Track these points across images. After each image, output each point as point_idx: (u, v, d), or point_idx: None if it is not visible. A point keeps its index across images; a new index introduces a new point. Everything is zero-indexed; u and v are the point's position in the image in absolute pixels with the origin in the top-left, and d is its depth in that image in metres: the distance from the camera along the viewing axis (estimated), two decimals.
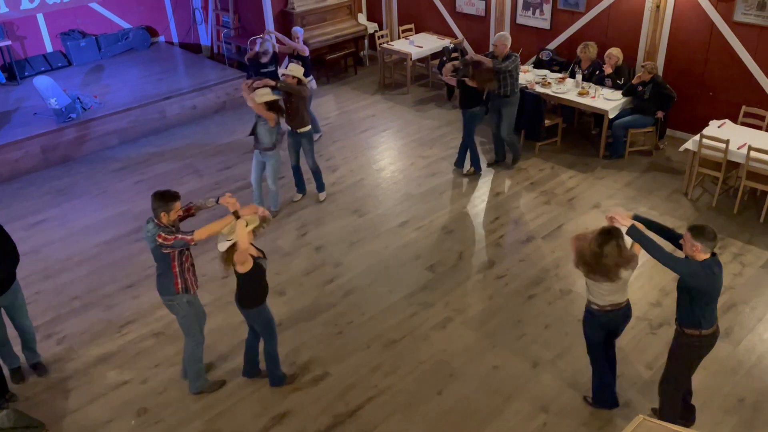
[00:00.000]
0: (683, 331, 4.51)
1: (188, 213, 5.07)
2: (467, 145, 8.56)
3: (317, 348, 5.94)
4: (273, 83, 7.34)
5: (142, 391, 5.55)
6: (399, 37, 12.14)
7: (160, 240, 4.67)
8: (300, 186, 8.24)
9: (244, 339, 5.79)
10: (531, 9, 10.28)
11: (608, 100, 8.68)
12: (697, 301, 4.33)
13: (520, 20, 10.50)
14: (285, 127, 7.77)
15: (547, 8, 10.06)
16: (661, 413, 4.89)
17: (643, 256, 4.75)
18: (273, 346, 5.28)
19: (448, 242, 7.37)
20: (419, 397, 5.40)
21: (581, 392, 5.34)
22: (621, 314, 4.79)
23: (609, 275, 4.49)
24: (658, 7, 8.76)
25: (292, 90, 7.40)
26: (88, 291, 6.80)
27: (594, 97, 8.80)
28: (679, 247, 4.42)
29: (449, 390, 5.45)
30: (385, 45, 11.63)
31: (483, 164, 8.81)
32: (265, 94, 7.06)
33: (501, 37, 8.16)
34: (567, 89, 9.05)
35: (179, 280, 4.92)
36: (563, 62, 9.92)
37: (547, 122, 9.07)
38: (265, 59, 8.97)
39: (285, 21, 11.72)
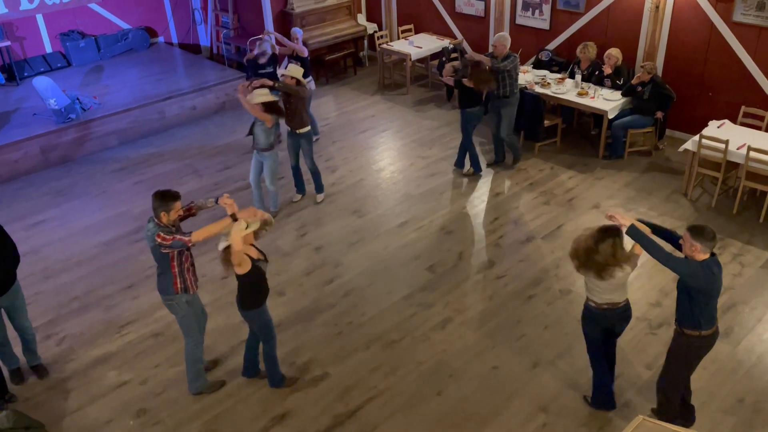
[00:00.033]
0: (683, 332, 4.51)
1: (189, 213, 5.07)
2: (466, 145, 8.56)
3: (317, 348, 5.94)
4: (271, 83, 7.34)
5: (141, 391, 5.55)
6: (398, 38, 12.14)
7: (159, 240, 4.68)
8: (299, 186, 8.24)
9: (243, 339, 5.79)
10: (530, 9, 10.29)
11: (607, 101, 8.69)
12: (697, 302, 4.33)
13: (519, 21, 10.51)
14: (284, 127, 7.77)
15: (547, 8, 10.07)
16: (659, 413, 4.89)
17: (643, 256, 4.74)
18: (271, 349, 5.28)
19: (448, 243, 7.37)
20: (419, 397, 5.40)
21: (581, 392, 5.35)
22: (618, 314, 4.79)
23: (599, 273, 4.50)
24: (657, 7, 8.76)
25: (290, 90, 7.40)
26: (88, 292, 6.79)
27: (593, 97, 8.80)
28: (679, 248, 4.42)
29: (449, 390, 5.45)
30: (384, 45, 11.63)
31: (483, 165, 8.81)
32: (263, 95, 7.06)
33: (500, 38, 8.16)
34: (566, 89, 9.05)
35: (178, 280, 4.92)
36: (563, 63, 9.92)
37: (546, 123, 9.07)
38: (263, 60, 8.98)
39: (284, 21, 11.72)
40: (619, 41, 9.31)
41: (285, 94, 7.48)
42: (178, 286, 4.94)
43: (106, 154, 9.70)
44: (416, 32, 12.13)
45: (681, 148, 7.91)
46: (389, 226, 7.69)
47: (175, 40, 13.28)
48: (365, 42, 12.95)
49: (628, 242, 4.58)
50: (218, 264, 5.81)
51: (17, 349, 5.68)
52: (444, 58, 10.86)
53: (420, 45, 11.43)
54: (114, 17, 12.40)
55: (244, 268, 4.73)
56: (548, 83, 9.18)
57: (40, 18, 11.52)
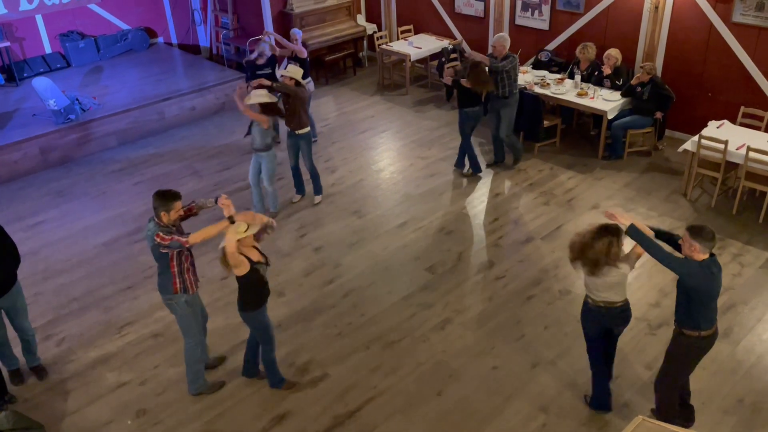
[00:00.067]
0: (682, 332, 4.52)
1: (190, 212, 5.07)
2: (464, 146, 8.57)
3: (317, 349, 5.94)
4: (269, 83, 7.34)
5: (141, 392, 5.55)
6: (398, 38, 12.14)
7: (158, 239, 4.69)
8: (299, 187, 8.24)
9: (243, 340, 5.80)
10: (530, 10, 10.29)
11: (607, 101, 8.69)
12: (696, 302, 4.34)
13: (519, 21, 10.51)
14: (284, 128, 7.77)
15: (546, 9, 10.07)
16: (659, 412, 4.89)
17: (643, 256, 4.75)
18: (269, 352, 5.27)
19: (448, 243, 7.37)
20: (419, 397, 5.40)
21: (581, 393, 5.35)
22: (615, 314, 4.79)
23: (591, 269, 4.53)
24: (656, 7, 8.77)
25: (289, 91, 7.40)
26: (88, 292, 6.79)
27: (593, 97, 8.81)
28: (680, 250, 4.42)
29: (449, 390, 5.45)
30: (384, 46, 11.63)
31: (483, 165, 8.81)
32: (260, 96, 7.06)
33: (500, 38, 8.16)
34: (566, 90, 9.05)
35: (177, 280, 4.93)
36: (562, 63, 9.93)
37: (546, 123, 9.07)
38: (261, 61, 8.97)
39: (284, 22, 11.72)
40: (619, 42, 9.31)
41: (284, 94, 7.48)
42: (178, 286, 4.94)
43: (106, 154, 9.70)
44: (416, 33, 12.13)
45: (680, 149, 7.91)
46: (389, 227, 7.69)
47: (174, 41, 13.29)
48: (365, 42, 12.95)
49: (630, 243, 4.59)
50: (218, 264, 5.81)
51: (17, 349, 5.68)
52: (443, 59, 10.86)
53: (419, 45, 11.44)
54: (113, 18, 12.41)
55: (242, 269, 4.74)
56: (548, 84, 9.19)
57: (39, 18, 11.52)
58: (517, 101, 8.43)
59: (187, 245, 4.72)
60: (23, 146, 9.09)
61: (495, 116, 8.53)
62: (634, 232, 4.35)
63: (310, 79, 9.23)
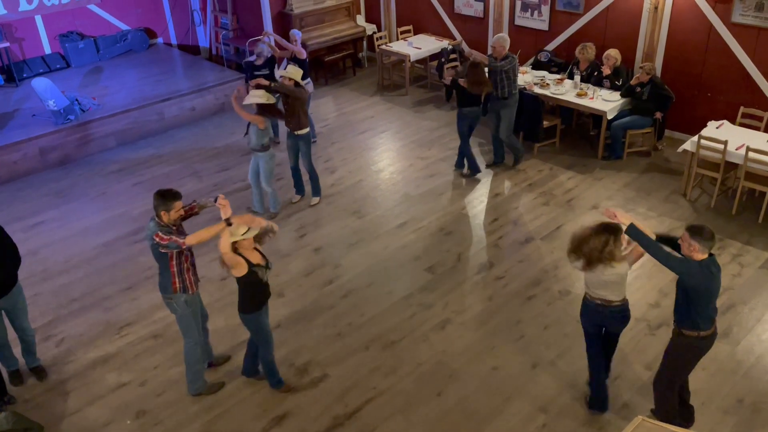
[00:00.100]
0: (681, 332, 4.52)
1: (191, 212, 5.07)
2: (462, 146, 8.59)
3: (316, 349, 5.94)
4: (267, 83, 7.34)
5: (141, 392, 5.55)
6: (397, 39, 12.13)
7: (157, 239, 4.70)
8: (299, 187, 8.24)
9: (243, 340, 5.80)
10: (529, 10, 10.30)
11: (606, 101, 8.69)
12: (695, 302, 4.34)
13: (518, 21, 10.51)
14: (284, 128, 7.77)
15: (546, 9, 10.08)
16: (658, 412, 4.89)
17: (642, 257, 4.75)
18: (266, 355, 5.26)
19: (447, 243, 7.37)
20: (418, 398, 5.40)
21: (581, 393, 5.35)
22: (612, 313, 4.79)
23: (585, 264, 4.56)
24: (656, 8, 8.77)
25: (287, 91, 7.40)
26: (87, 293, 6.79)
27: (592, 98, 8.81)
28: (680, 250, 4.43)
29: (449, 391, 5.45)
30: (383, 46, 11.63)
31: (481, 165, 8.81)
32: (257, 96, 7.05)
33: (499, 39, 8.16)
34: (565, 90, 9.06)
35: (177, 280, 4.93)
36: (561, 63, 9.93)
37: (545, 123, 9.08)
38: (258, 62, 8.96)
39: (283, 22, 11.72)
40: (618, 42, 9.32)
41: (283, 95, 7.48)
42: (177, 285, 4.95)
43: (105, 155, 9.70)
44: (415, 33, 12.14)
45: (680, 149, 7.91)
46: (389, 227, 7.69)
47: (174, 41, 13.28)
48: (364, 43, 12.95)
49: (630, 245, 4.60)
50: (218, 265, 5.81)
51: (16, 350, 5.67)
52: (443, 59, 10.87)
53: (419, 46, 11.44)
54: (113, 18, 12.40)
55: (239, 271, 4.74)
56: (547, 84, 9.19)
57: (39, 19, 11.52)
58: (517, 102, 8.43)
59: (184, 246, 4.73)
60: (23, 147, 9.09)
61: (495, 117, 8.53)
62: (633, 231, 4.36)
63: (309, 79, 9.23)
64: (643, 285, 6.54)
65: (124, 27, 12.55)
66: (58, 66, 11.73)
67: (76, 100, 9.71)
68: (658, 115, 8.59)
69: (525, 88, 8.93)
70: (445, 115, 10.49)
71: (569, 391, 5.39)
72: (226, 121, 10.63)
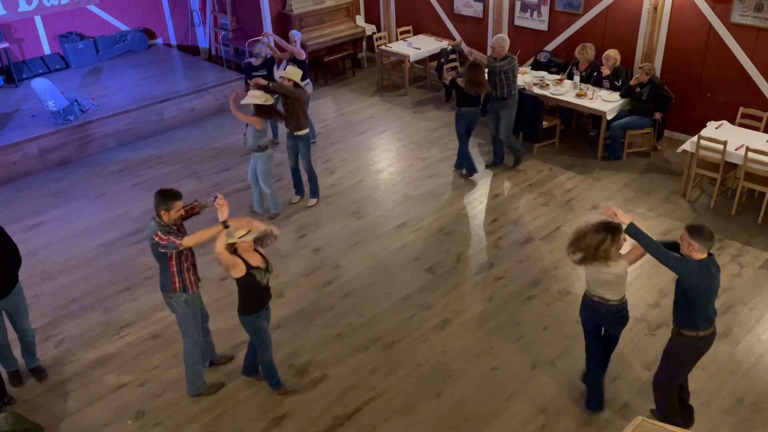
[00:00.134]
0: (680, 332, 4.53)
1: (193, 211, 5.09)
2: (460, 146, 8.60)
3: (316, 350, 5.94)
4: (266, 83, 7.34)
5: (140, 393, 5.55)
6: (397, 39, 12.14)
7: (156, 239, 4.72)
8: (298, 188, 8.24)
9: (242, 341, 5.80)
10: (529, 11, 10.30)
11: (606, 102, 8.70)
12: (694, 302, 4.35)
13: (518, 22, 10.51)
14: (284, 129, 7.76)
15: (545, 10, 10.08)
16: (659, 413, 4.89)
17: (642, 258, 4.76)
18: (264, 357, 5.25)
19: (447, 244, 7.37)
20: (418, 398, 5.40)
21: (580, 393, 5.34)
22: (609, 312, 4.80)
23: (580, 260, 4.59)
24: (655, 8, 8.77)
25: (286, 92, 7.39)
26: (87, 293, 6.79)
27: (592, 98, 8.81)
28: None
29: (448, 391, 5.45)
30: (383, 47, 11.63)
31: (479, 166, 8.80)
32: (253, 97, 7.04)
33: (499, 39, 8.17)
34: (565, 91, 9.06)
35: (176, 280, 4.95)
36: (561, 64, 9.93)
37: (545, 124, 9.08)
38: (257, 62, 8.96)
39: (283, 23, 11.73)
40: (618, 42, 9.32)
41: (283, 96, 7.48)
42: (177, 285, 4.96)
43: (105, 155, 9.70)
44: (415, 34, 12.14)
45: (679, 149, 7.92)
46: (388, 228, 7.69)
47: (173, 42, 13.28)
48: (364, 43, 12.95)
49: (628, 246, 4.60)
50: (218, 265, 5.82)
51: (15, 351, 5.67)
52: (442, 60, 10.86)
53: (419, 46, 11.44)
54: (112, 19, 12.40)
55: (237, 272, 4.75)
56: (547, 84, 9.20)
57: (38, 20, 11.52)
58: (516, 102, 8.43)
59: (181, 247, 4.74)
60: (22, 147, 9.09)
61: (494, 117, 8.54)
62: (633, 230, 4.38)
63: (308, 80, 9.22)
64: (642, 285, 6.54)
65: (123, 27, 12.55)
66: (57, 66, 11.74)
67: (76, 100, 9.71)
68: (658, 115, 8.59)
69: (524, 89, 8.93)
70: (445, 115, 10.49)
71: (569, 391, 5.39)
72: (226, 121, 10.63)
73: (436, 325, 6.18)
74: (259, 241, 4.85)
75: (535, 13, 10.23)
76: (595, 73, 9.13)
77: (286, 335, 6.07)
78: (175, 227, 4.86)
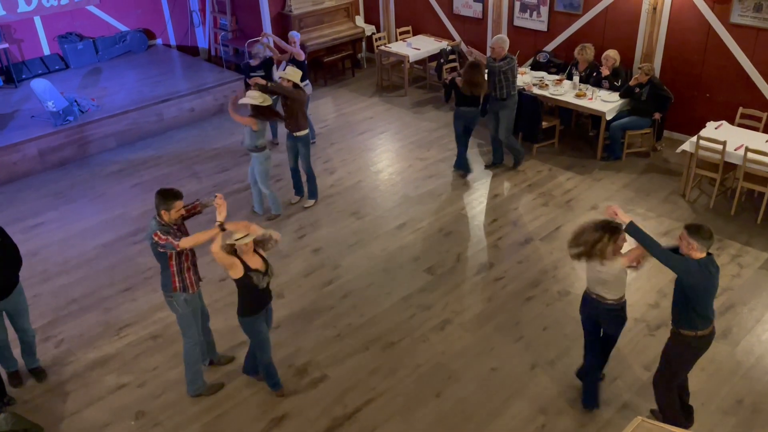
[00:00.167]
0: (679, 332, 4.53)
1: (194, 211, 5.09)
2: (457, 144, 8.61)
3: (316, 350, 5.94)
4: (264, 82, 7.33)
5: (140, 394, 5.55)
6: (396, 40, 12.14)
7: (156, 238, 4.73)
8: (298, 188, 8.23)
9: (241, 341, 5.80)
10: (528, 11, 10.30)
11: (605, 102, 8.70)
12: (693, 302, 4.36)
13: (517, 22, 10.52)
14: (284, 130, 7.76)
15: (545, 10, 10.08)
16: (661, 413, 4.90)
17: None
18: (262, 359, 5.24)
19: (447, 244, 7.37)
20: (418, 399, 5.40)
21: (579, 393, 5.34)
22: (606, 311, 4.83)
23: (575, 252, 4.63)
24: (654, 9, 8.78)
25: (284, 92, 7.39)
26: (86, 294, 6.79)
27: (591, 98, 8.82)
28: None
29: (448, 392, 5.45)
30: (382, 47, 11.64)
31: (480, 167, 8.79)
32: (250, 97, 7.04)
33: (498, 40, 8.17)
34: (564, 91, 9.06)
35: (176, 279, 4.96)
36: (560, 64, 9.94)
37: (544, 124, 9.08)
38: (254, 63, 8.95)
39: (282, 23, 11.73)
40: (617, 43, 9.32)
41: (283, 96, 7.48)
42: (177, 284, 4.97)
43: (104, 156, 9.70)
44: (414, 34, 12.14)
45: (679, 150, 7.92)
46: (388, 228, 7.69)
47: (173, 42, 13.28)
48: (363, 44, 12.96)
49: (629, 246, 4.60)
50: (218, 266, 5.81)
51: (15, 351, 5.67)
52: (442, 60, 10.88)
53: (418, 47, 11.44)
54: (112, 19, 12.40)
55: (235, 272, 4.76)
56: (546, 85, 9.20)
57: (38, 20, 11.52)
58: (516, 103, 8.42)
59: (178, 248, 4.75)
60: (22, 148, 9.09)
61: (494, 118, 8.54)
62: (633, 229, 4.39)
63: (308, 81, 9.22)
64: (642, 286, 6.55)
65: (123, 28, 12.55)
66: (57, 67, 11.73)
67: (75, 101, 9.71)
68: (657, 115, 8.60)
69: (524, 89, 8.93)
70: (444, 115, 10.49)
71: (568, 391, 5.39)
72: (225, 122, 10.63)
73: (436, 325, 6.18)
74: (261, 244, 4.85)
75: (535, 13, 10.23)
76: (594, 74, 9.14)
77: (285, 335, 6.07)
78: (175, 227, 4.87)
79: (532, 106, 8.84)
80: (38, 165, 9.26)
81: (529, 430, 5.08)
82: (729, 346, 5.78)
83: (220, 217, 4.76)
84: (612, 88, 8.93)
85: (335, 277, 6.91)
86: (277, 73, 9.14)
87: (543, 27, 10.23)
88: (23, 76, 11.22)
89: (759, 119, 8.20)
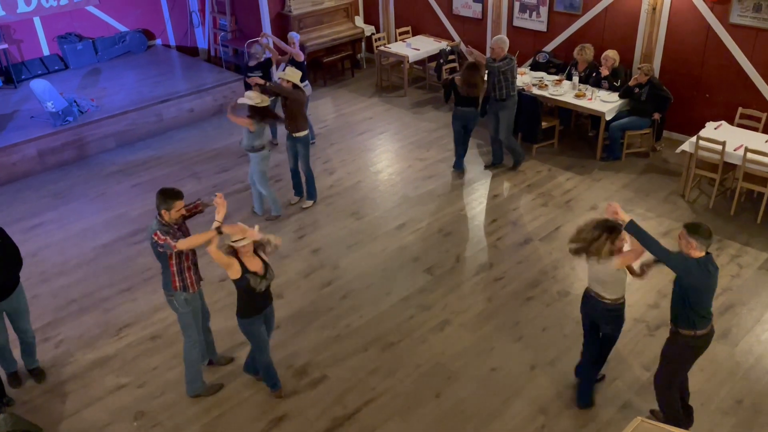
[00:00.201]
0: (678, 332, 4.54)
1: (196, 210, 5.10)
2: (455, 144, 8.63)
3: (315, 351, 5.93)
4: (262, 82, 7.31)
5: (139, 394, 5.54)
6: (396, 40, 12.14)
7: (155, 238, 4.74)
8: (297, 189, 8.23)
9: (241, 342, 5.79)
10: (528, 11, 10.30)
11: (605, 102, 8.70)
12: (692, 301, 4.37)
13: (516, 23, 10.52)
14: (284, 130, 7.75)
15: (544, 10, 10.08)
16: (663, 412, 4.89)
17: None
18: (260, 360, 5.24)
19: (446, 244, 7.37)
20: (417, 399, 5.39)
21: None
22: (603, 310, 4.84)
23: (573, 248, 4.68)
24: (654, 9, 8.78)
25: (282, 93, 7.38)
26: (86, 294, 6.78)
27: (591, 99, 8.82)
28: None
29: (447, 392, 5.45)
30: (382, 47, 11.64)
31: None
32: (248, 98, 7.03)
33: (498, 40, 8.17)
34: (564, 91, 9.07)
35: (177, 279, 4.97)
36: (560, 64, 9.94)
37: (544, 124, 9.08)
38: (251, 63, 8.93)
39: (282, 24, 11.73)
40: (616, 43, 9.33)
41: (283, 97, 7.47)
42: (177, 284, 4.98)
43: (104, 156, 9.70)
44: (414, 34, 12.14)
45: (678, 150, 7.92)
46: (387, 228, 7.69)
47: (172, 43, 13.28)
48: (363, 44, 12.95)
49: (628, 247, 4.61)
50: (217, 266, 5.81)
51: (15, 352, 5.66)
52: (441, 60, 10.88)
53: (417, 47, 11.44)
54: (111, 20, 12.40)
55: (232, 273, 4.77)
56: (545, 85, 9.20)
57: (37, 21, 11.52)
58: (516, 104, 8.42)
59: (175, 249, 4.76)
60: (21, 148, 9.09)
61: (493, 118, 8.54)
62: (632, 227, 4.40)
63: (307, 82, 9.21)
64: (642, 286, 6.54)
65: (122, 28, 12.54)
66: (56, 67, 11.73)
67: (75, 101, 9.70)
68: (657, 116, 8.60)
69: (523, 89, 8.93)
70: (444, 116, 10.49)
71: (568, 392, 5.39)
72: (225, 122, 10.61)
73: (436, 325, 6.18)
74: (261, 247, 4.86)
75: (534, 13, 10.23)
76: (594, 74, 9.14)
77: (285, 336, 6.07)
78: (176, 226, 4.88)
79: (531, 106, 8.84)
80: (37, 165, 9.26)
81: (528, 431, 5.08)
82: (728, 346, 5.78)
83: (219, 216, 4.78)
84: (611, 89, 8.93)
85: (335, 277, 6.90)
86: (276, 74, 9.14)
87: (542, 27, 10.23)
88: (23, 77, 11.21)
89: (758, 119, 8.20)
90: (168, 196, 4.80)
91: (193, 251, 5.03)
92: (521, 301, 6.46)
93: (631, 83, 8.57)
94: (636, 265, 4.86)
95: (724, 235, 7.23)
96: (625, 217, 4.46)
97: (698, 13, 8.52)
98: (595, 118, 9.17)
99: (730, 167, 7.62)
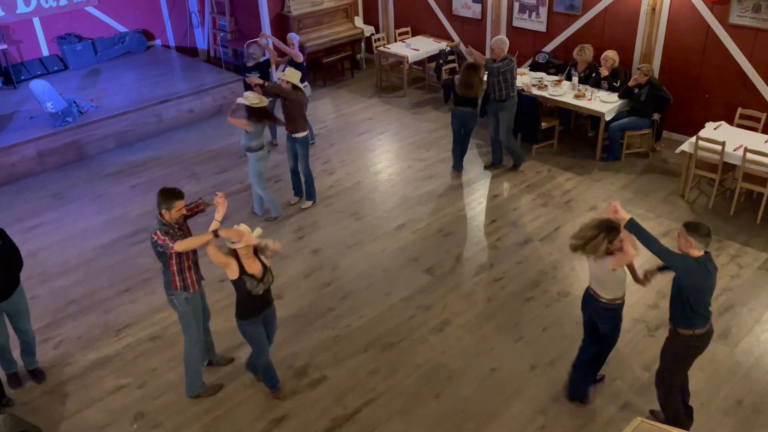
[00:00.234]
0: (677, 331, 4.55)
1: (197, 209, 5.11)
2: (453, 144, 8.63)
3: (315, 351, 5.93)
4: (261, 82, 7.30)
5: (139, 395, 5.54)
6: (395, 40, 12.14)
7: (155, 237, 4.75)
8: (297, 189, 8.23)
9: (241, 342, 5.79)
10: (527, 12, 10.31)
11: (604, 103, 8.70)
12: (691, 300, 4.37)
13: (516, 23, 10.52)
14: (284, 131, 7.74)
15: (544, 11, 10.09)
16: (663, 412, 4.89)
17: (640, 258, 4.76)
18: (259, 361, 5.23)
19: (446, 245, 7.37)
20: (417, 399, 5.39)
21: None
22: (600, 309, 4.86)
23: (572, 244, 4.70)
24: (653, 9, 8.78)
25: (281, 93, 7.37)
26: (85, 295, 6.78)
27: (590, 99, 8.82)
28: None
29: (447, 393, 5.45)
30: (381, 48, 11.64)
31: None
32: (246, 98, 7.02)
33: (498, 41, 8.18)
34: (563, 92, 9.07)
35: (177, 278, 4.98)
36: (560, 65, 9.94)
37: (543, 125, 9.08)
38: (249, 64, 8.92)
39: (281, 24, 11.73)
40: (616, 43, 9.33)
41: (282, 98, 7.47)
42: (178, 283, 4.99)
43: (103, 157, 9.69)
44: (413, 35, 12.14)
45: (678, 150, 7.92)
46: (387, 229, 7.69)
47: (172, 43, 13.28)
48: (362, 45, 12.96)
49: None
50: (217, 266, 5.80)
51: (14, 352, 5.66)
52: (441, 61, 10.88)
53: (417, 47, 11.45)
54: (111, 20, 12.40)
55: (231, 273, 4.78)
56: (545, 85, 9.20)
57: (36, 21, 11.52)
58: (516, 104, 8.42)
59: (173, 251, 4.76)
60: (20, 149, 9.08)
61: (493, 119, 8.55)
62: (633, 225, 4.41)
63: (306, 83, 9.21)
64: (641, 286, 6.52)
65: (122, 29, 12.55)
66: (55, 68, 11.73)
67: (74, 102, 9.70)
68: (656, 116, 8.60)
69: (523, 90, 8.94)
70: (443, 116, 10.50)
71: None
72: (224, 122, 10.60)
73: (436, 326, 6.18)
74: (261, 250, 4.86)
75: (534, 14, 10.23)
76: (593, 74, 9.14)
77: (284, 336, 6.06)
78: (177, 226, 4.88)
79: (531, 106, 8.84)
80: (37, 166, 9.26)
81: (528, 431, 5.08)
82: (728, 346, 5.78)
83: (219, 216, 4.79)
84: (611, 89, 8.93)
85: (334, 278, 6.90)
86: (275, 75, 9.13)
87: (542, 28, 10.23)
88: (22, 77, 11.21)
89: (758, 120, 8.21)
90: (168, 195, 4.81)
91: (194, 250, 5.03)
92: (521, 302, 6.46)
93: (630, 83, 8.57)
94: (640, 272, 4.88)
95: (723, 236, 7.23)
96: (625, 215, 4.47)
97: (698, 13, 8.53)
98: (594, 118, 9.18)
99: (729, 167, 7.63)
